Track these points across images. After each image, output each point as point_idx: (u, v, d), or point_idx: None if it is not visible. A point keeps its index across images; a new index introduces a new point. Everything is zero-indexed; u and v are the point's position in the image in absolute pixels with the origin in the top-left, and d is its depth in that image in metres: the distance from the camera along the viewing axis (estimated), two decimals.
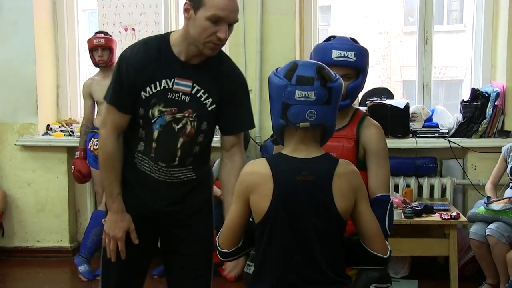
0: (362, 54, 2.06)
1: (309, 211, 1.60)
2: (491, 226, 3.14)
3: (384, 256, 1.68)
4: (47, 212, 4.14)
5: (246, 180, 1.64)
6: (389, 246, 1.71)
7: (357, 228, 1.68)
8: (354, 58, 2.02)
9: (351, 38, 2.14)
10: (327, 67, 1.64)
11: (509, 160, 3.36)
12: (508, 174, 3.35)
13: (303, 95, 1.58)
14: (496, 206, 3.19)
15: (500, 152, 3.45)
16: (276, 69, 1.66)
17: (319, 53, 2.05)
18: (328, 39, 2.12)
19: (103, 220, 3.55)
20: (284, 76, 1.61)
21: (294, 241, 1.61)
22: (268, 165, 1.62)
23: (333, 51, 2.02)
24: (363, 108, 3.86)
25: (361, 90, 2.16)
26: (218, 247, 1.72)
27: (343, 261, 1.67)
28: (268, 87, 1.66)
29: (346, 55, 2.02)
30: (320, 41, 4.25)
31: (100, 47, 3.62)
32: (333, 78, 1.62)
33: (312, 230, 1.60)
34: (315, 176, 1.60)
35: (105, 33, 3.73)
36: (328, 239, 1.63)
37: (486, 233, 3.14)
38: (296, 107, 1.58)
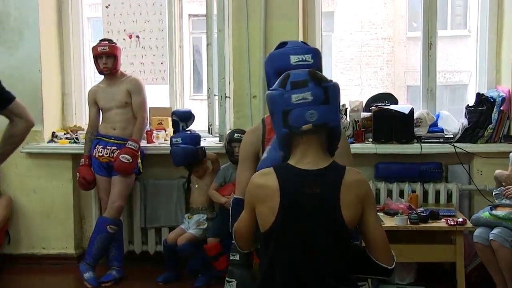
0: (317, 55, 2.12)
1: (315, 224, 1.60)
2: (494, 231, 3.12)
3: (389, 267, 1.66)
4: (52, 219, 4.15)
5: (254, 192, 1.67)
6: (395, 256, 1.69)
7: (363, 237, 1.68)
8: (312, 60, 2.07)
9: (302, 42, 2.23)
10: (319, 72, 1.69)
11: None
12: None
13: (300, 97, 1.60)
14: (501, 212, 3.17)
15: (506, 157, 3.43)
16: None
17: (277, 59, 2.09)
18: (280, 45, 2.16)
19: (108, 226, 3.60)
20: (279, 86, 1.65)
21: (301, 255, 1.61)
22: (276, 178, 1.63)
23: (291, 56, 2.07)
24: (367, 114, 3.87)
25: None
26: (239, 249, 1.83)
27: (349, 269, 1.67)
28: (268, 106, 1.69)
29: (304, 58, 2.07)
30: (324, 47, 4.29)
31: (104, 55, 3.63)
32: (327, 79, 1.66)
33: (319, 243, 1.60)
34: (322, 188, 1.60)
35: (110, 41, 3.75)
36: (335, 250, 1.62)
37: (490, 238, 3.13)
38: (295, 111, 1.60)
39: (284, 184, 1.62)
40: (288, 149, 1.68)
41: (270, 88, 1.70)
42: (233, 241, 2.20)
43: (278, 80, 1.69)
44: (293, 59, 2.05)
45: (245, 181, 2.16)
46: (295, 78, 1.64)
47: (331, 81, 1.66)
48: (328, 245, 1.61)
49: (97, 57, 3.66)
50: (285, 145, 1.68)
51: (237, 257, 2.27)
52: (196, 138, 3.70)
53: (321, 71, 2.09)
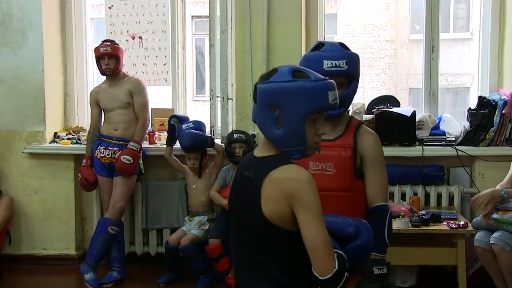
0: (353, 60, 2.04)
1: (243, 208, 1.63)
2: (495, 234, 3.12)
3: (320, 277, 1.49)
4: (53, 220, 4.15)
5: None
6: (337, 265, 1.50)
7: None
8: (346, 66, 2.01)
9: (340, 44, 2.11)
10: (297, 68, 1.61)
11: None
12: None
13: None
14: (502, 216, 3.16)
15: (508, 160, 3.42)
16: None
17: (310, 63, 2.02)
18: (317, 46, 2.10)
19: (109, 227, 3.60)
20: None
21: (237, 234, 1.67)
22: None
23: (324, 61, 2.00)
24: (369, 116, 3.87)
25: (353, 97, 2.14)
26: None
27: (285, 269, 1.56)
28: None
29: (337, 64, 2.01)
30: None
31: (106, 55, 3.64)
32: (268, 79, 1.59)
33: (246, 228, 1.61)
34: (254, 174, 1.60)
35: (112, 42, 3.75)
36: (261, 241, 1.57)
37: (491, 241, 3.12)
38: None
39: (240, 163, 1.74)
40: None
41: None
42: None
43: (288, 75, 1.61)
44: (326, 64, 2.00)
45: None
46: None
47: (268, 81, 1.59)
48: (254, 235, 1.59)
49: (99, 57, 3.66)
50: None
51: None
52: (205, 127, 3.77)
53: (358, 78, 2.07)
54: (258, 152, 1.65)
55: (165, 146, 3.95)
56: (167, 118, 4.13)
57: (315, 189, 1.54)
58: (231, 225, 1.73)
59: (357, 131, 2.08)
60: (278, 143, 1.58)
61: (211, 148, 3.75)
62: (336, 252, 1.53)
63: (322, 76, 1.58)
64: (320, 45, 2.10)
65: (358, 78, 2.09)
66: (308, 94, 1.55)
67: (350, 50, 2.11)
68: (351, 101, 2.16)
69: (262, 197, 1.54)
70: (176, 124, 3.72)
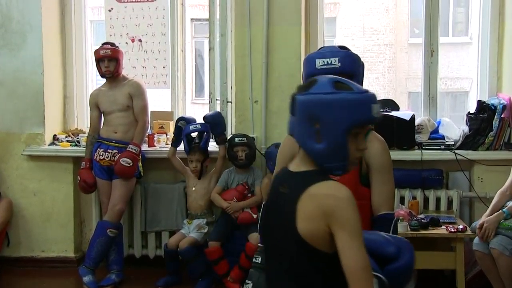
0: (348, 59, 2.00)
1: (276, 225, 1.54)
2: (494, 239, 3.13)
3: None
4: (52, 222, 4.15)
5: None
6: None
7: None
8: (339, 64, 1.97)
9: (339, 46, 2.09)
10: (338, 79, 1.54)
11: None
12: None
13: None
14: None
15: (507, 165, 3.43)
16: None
17: (306, 65, 2.03)
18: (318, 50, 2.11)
19: (108, 230, 3.60)
20: None
21: (267, 255, 1.60)
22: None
23: (317, 60, 1.99)
24: None
25: None
26: None
27: None
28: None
29: (329, 62, 1.98)
30: None
31: (106, 58, 3.64)
32: (307, 90, 1.51)
33: (278, 246, 1.53)
34: (290, 190, 1.51)
35: (112, 44, 3.75)
36: (290, 260, 1.49)
37: (490, 246, 3.13)
38: None
39: (273, 179, 1.66)
40: None
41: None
42: (259, 244, 2.22)
43: (329, 87, 1.52)
44: (318, 63, 1.99)
45: None
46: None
47: (308, 93, 1.51)
48: (287, 254, 1.49)
49: (99, 60, 3.66)
50: None
51: (258, 260, 2.21)
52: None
53: (359, 78, 2.01)
54: (294, 166, 1.56)
55: (164, 148, 3.96)
56: (167, 121, 4.14)
57: (355, 208, 1.44)
58: (264, 243, 1.63)
59: (365, 137, 2.07)
60: (319, 158, 1.50)
61: (217, 147, 3.74)
62: (376, 275, 1.47)
63: (364, 88, 1.52)
64: (321, 49, 2.11)
65: (360, 79, 2.03)
66: (351, 107, 1.46)
67: (346, 50, 2.07)
68: None
69: (298, 214, 1.45)
70: (183, 126, 3.73)
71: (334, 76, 1.54)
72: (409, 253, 1.59)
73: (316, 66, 1.98)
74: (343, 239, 1.42)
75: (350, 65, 2.00)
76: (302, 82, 2.09)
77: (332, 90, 1.48)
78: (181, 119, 3.79)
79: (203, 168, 3.75)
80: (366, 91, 1.50)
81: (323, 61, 1.98)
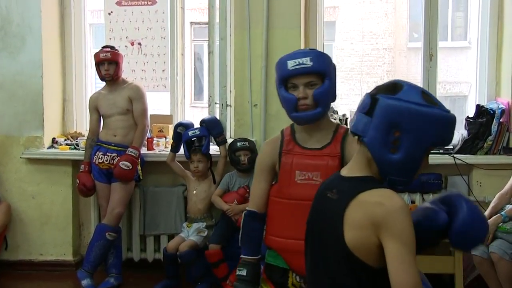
0: (319, 58, 2.02)
1: (321, 233, 1.48)
2: (494, 243, 3.13)
3: None
4: (51, 225, 4.14)
5: None
6: None
7: None
8: (311, 63, 1.99)
9: (310, 49, 2.15)
10: (424, 89, 1.47)
11: None
12: None
13: None
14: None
15: (505, 169, 3.43)
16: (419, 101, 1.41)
17: (278, 68, 2.05)
18: None
19: (107, 233, 3.59)
20: (429, 103, 1.43)
21: (310, 262, 1.52)
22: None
23: (288, 62, 2.01)
24: None
25: (332, 97, 2.09)
26: None
27: None
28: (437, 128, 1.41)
29: (301, 62, 1.99)
30: None
31: (106, 61, 3.64)
32: (394, 94, 1.43)
33: (322, 255, 1.47)
34: (339, 196, 1.44)
35: (112, 47, 3.76)
36: (334, 271, 1.41)
37: (489, 250, 3.13)
38: None
39: (321, 184, 1.59)
40: None
41: (432, 107, 1.40)
42: (241, 255, 2.17)
43: (418, 97, 1.41)
44: (290, 64, 2.01)
45: (259, 194, 2.14)
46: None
47: (397, 98, 1.43)
48: (332, 264, 1.42)
49: (99, 63, 3.67)
50: None
51: (244, 273, 2.15)
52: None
53: (332, 77, 2.03)
54: (346, 171, 1.49)
55: (163, 152, 3.96)
56: (166, 125, 4.14)
57: (409, 218, 1.33)
58: (306, 248, 1.57)
59: (344, 139, 2.07)
60: (387, 168, 1.41)
61: (217, 151, 3.74)
62: None
63: (446, 108, 1.46)
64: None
65: (332, 78, 2.05)
66: (440, 124, 1.40)
67: (317, 50, 2.11)
68: (328, 102, 2.09)
69: (346, 222, 1.37)
70: (182, 132, 3.72)
71: (418, 85, 1.47)
72: (462, 209, 1.46)
73: (288, 67, 2.00)
74: (394, 251, 1.31)
75: (322, 64, 2.02)
76: (276, 87, 2.08)
77: (423, 101, 1.40)
78: (179, 124, 3.78)
79: (207, 171, 3.74)
80: (450, 111, 1.44)
81: (295, 62, 1.99)
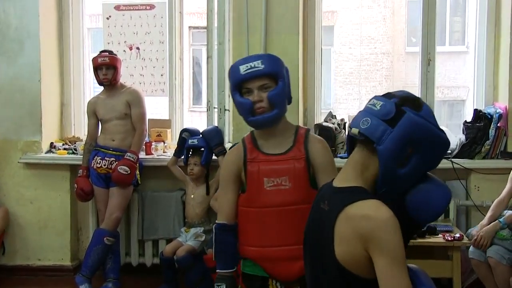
0: (271, 60, 2.04)
1: (315, 244, 1.46)
2: (491, 248, 3.14)
3: None
4: (49, 230, 4.13)
5: None
6: None
7: None
8: (262, 66, 2.00)
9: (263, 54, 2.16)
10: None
11: None
12: None
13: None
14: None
15: (503, 173, 3.44)
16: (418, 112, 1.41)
17: (231, 74, 2.05)
18: None
19: (105, 238, 3.58)
20: (415, 109, 1.42)
21: (309, 276, 1.49)
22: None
23: (240, 67, 2.01)
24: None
25: (287, 98, 2.09)
26: None
27: None
28: (415, 135, 1.39)
29: (253, 65, 2.00)
30: (323, 61, 4.30)
31: (104, 66, 3.64)
32: (419, 111, 1.43)
33: (317, 266, 1.44)
34: (329, 208, 1.42)
35: (110, 52, 3.76)
36: (331, 283, 1.39)
37: (487, 255, 3.13)
38: None
39: (317, 194, 1.57)
40: None
41: (413, 113, 1.39)
42: (217, 270, 2.12)
43: (433, 118, 1.43)
44: (242, 69, 2.00)
45: (228, 205, 2.11)
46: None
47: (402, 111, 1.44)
48: (326, 278, 1.40)
49: (97, 68, 3.67)
50: None
51: (223, 287, 2.09)
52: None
53: (285, 78, 2.04)
54: (338, 181, 1.46)
55: (162, 156, 3.95)
56: (164, 129, 4.14)
57: (397, 230, 1.31)
58: (305, 257, 1.56)
59: (306, 140, 2.07)
60: (389, 181, 1.40)
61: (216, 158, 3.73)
62: None
63: None
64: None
65: (286, 79, 2.05)
66: (444, 150, 1.46)
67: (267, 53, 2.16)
68: (284, 103, 2.07)
69: (336, 236, 1.35)
70: (187, 138, 3.71)
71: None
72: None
73: (241, 72, 2.00)
74: (383, 265, 1.29)
75: (274, 66, 2.03)
76: (230, 92, 2.09)
77: (436, 124, 1.44)
78: (185, 130, 3.76)
79: (203, 175, 3.72)
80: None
81: (247, 66, 2.00)
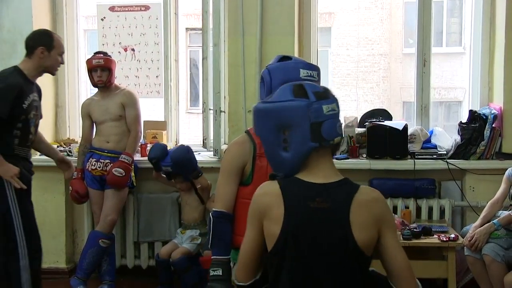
0: (320, 74, 2.14)
1: (322, 244, 1.43)
2: (486, 246, 3.15)
3: None
4: (44, 233, 4.05)
5: (258, 201, 1.52)
6: (420, 285, 1.50)
7: (384, 264, 1.50)
8: (317, 78, 2.10)
9: (310, 63, 2.20)
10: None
11: None
12: (509, 197, 3.34)
13: (330, 108, 1.50)
14: None
15: (498, 174, 3.44)
16: (266, 100, 1.58)
17: (287, 71, 2.07)
18: (283, 59, 2.16)
19: (100, 240, 3.57)
20: (295, 96, 1.49)
21: (304, 278, 1.44)
22: (277, 184, 1.49)
23: (301, 70, 2.07)
24: (361, 130, 3.88)
25: None
26: (235, 281, 1.59)
27: None
28: (278, 117, 1.49)
29: (312, 74, 2.08)
30: (321, 62, 4.30)
31: (99, 68, 3.63)
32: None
33: (326, 265, 1.42)
34: (331, 203, 1.43)
35: (104, 54, 3.75)
36: (344, 276, 1.42)
37: (482, 252, 3.14)
38: (328, 123, 1.49)
39: (287, 194, 1.46)
40: (299, 167, 1.52)
41: (282, 100, 1.51)
42: (213, 256, 2.15)
43: (282, 92, 1.53)
44: (303, 73, 2.06)
45: (228, 195, 2.16)
46: (314, 88, 1.52)
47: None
48: (337, 270, 1.42)
49: (91, 70, 3.66)
50: (303, 161, 1.50)
51: (220, 272, 2.13)
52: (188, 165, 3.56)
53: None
54: (322, 178, 1.49)
55: None
56: (160, 131, 4.13)
57: None
58: (286, 261, 1.46)
59: None
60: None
61: (211, 153, 3.68)
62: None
63: None
64: (286, 58, 2.16)
65: None
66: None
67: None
68: None
69: (353, 226, 1.41)
70: (158, 162, 3.62)
71: None
72: None
73: (301, 75, 2.06)
74: (393, 240, 1.46)
75: (320, 80, 2.14)
76: (268, 89, 2.10)
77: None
78: (151, 158, 3.63)
79: (191, 187, 3.68)
80: None
81: (308, 73, 2.08)
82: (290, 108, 1.48)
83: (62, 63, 3.22)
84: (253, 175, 2.15)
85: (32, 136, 3.08)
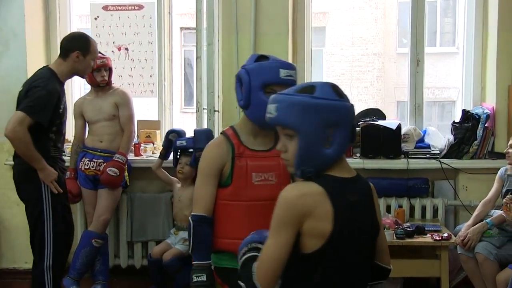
0: (297, 73, 2.15)
1: (363, 233, 1.59)
2: (479, 244, 3.17)
3: (389, 267, 1.74)
4: None
5: (298, 203, 1.47)
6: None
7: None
8: (295, 77, 2.11)
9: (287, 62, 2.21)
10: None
11: (505, 184, 3.35)
12: (501, 196, 3.35)
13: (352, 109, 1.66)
14: None
15: (490, 173, 3.46)
16: (300, 94, 1.56)
17: (266, 72, 2.07)
18: (260, 58, 2.15)
19: (93, 240, 3.56)
20: (340, 97, 1.58)
21: (356, 267, 1.57)
22: (317, 185, 1.50)
23: (281, 70, 2.07)
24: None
25: None
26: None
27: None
28: (331, 115, 1.53)
29: (290, 74, 2.09)
30: (315, 62, 4.29)
31: (103, 67, 3.61)
32: None
33: (364, 251, 1.61)
34: (360, 196, 1.60)
35: (100, 53, 3.73)
36: (370, 259, 1.66)
37: (475, 251, 3.16)
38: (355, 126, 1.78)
39: (331, 190, 1.49)
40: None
41: (326, 98, 1.53)
42: (195, 261, 2.12)
43: (322, 89, 1.55)
44: (283, 73, 2.06)
45: (208, 198, 2.13)
46: (337, 88, 1.61)
47: None
48: (368, 253, 1.63)
49: (94, 69, 3.61)
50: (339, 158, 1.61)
51: (204, 278, 2.10)
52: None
53: None
54: (346, 173, 1.59)
55: (151, 158, 3.93)
56: (153, 130, 4.12)
57: None
58: (340, 259, 1.53)
59: None
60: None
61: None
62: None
63: None
64: (263, 57, 2.15)
65: None
66: None
67: None
68: None
69: (376, 212, 1.66)
70: (173, 139, 3.66)
71: None
72: None
73: (281, 75, 2.08)
74: (381, 220, 1.71)
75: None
76: (247, 89, 2.11)
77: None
78: (171, 131, 3.72)
79: (191, 177, 3.69)
80: None
81: (287, 72, 2.10)
82: (342, 108, 1.55)
83: (94, 68, 3.26)
84: (232, 176, 2.14)
85: (64, 137, 3.13)
